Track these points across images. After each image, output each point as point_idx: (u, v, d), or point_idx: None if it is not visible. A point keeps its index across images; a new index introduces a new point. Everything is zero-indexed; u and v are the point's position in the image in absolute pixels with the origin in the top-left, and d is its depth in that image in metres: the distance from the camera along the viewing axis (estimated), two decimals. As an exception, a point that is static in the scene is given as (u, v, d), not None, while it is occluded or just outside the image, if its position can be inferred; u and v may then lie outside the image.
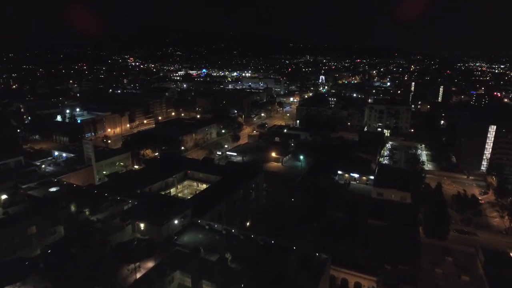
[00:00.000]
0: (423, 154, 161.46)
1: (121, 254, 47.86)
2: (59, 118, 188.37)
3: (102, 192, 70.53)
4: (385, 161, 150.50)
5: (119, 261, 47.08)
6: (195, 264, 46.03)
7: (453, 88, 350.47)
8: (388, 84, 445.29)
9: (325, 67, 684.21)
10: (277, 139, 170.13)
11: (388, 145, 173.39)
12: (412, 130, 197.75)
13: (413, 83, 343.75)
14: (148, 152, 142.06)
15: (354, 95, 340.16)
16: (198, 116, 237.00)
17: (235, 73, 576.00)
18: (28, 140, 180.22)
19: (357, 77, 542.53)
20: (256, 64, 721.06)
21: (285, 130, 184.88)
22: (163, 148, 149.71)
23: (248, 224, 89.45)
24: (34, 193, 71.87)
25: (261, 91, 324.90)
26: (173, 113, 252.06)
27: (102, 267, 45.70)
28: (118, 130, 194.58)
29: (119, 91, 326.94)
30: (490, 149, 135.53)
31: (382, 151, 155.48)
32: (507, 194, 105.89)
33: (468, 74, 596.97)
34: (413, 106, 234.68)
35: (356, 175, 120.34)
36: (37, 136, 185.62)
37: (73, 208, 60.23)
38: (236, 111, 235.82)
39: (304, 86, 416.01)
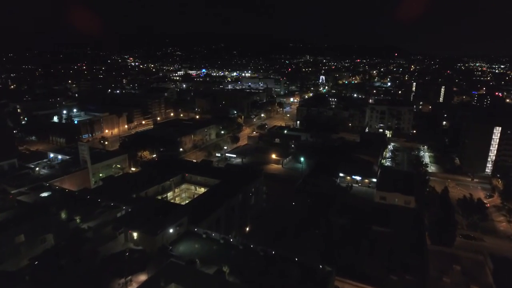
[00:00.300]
0: (426, 156, 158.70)
1: (112, 266, 45.09)
2: (55, 119, 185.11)
3: (95, 198, 67.66)
4: (387, 163, 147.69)
5: (109, 274, 44.30)
6: (191, 278, 43.23)
7: (454, 88, 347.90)
8: (389, 84, 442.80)
9: (325, 67, 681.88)
10: (277, 140, 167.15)
11: (390, 147, 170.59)
12: (414, 131, 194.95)
13: (414, 83, 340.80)
14: (146, 154, 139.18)
15: (355, 95, 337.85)
16: (197, 116, 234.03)
17: (234, 73, 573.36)
18: (24, 141, 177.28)
19: (357, 77, 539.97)
20: (256, 64, 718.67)
21: (285, 131, 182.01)
22: (161, 149, 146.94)
23: (247, 229, 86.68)
24: (24, 199, 69.05)
25: (261, 91, 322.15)
26: (172, 114, 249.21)
27: (92, 281, 42.92)
28: (116, 131, 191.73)
29: (118, 91, 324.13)
30: (495, 151, 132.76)
31: (384, 153, 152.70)
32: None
33: (469, 74, 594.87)
34: (414, 106, 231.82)
35: (358, 178, 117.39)
36: (33, 137, 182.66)
37: (63, 215, 57.47)
38: (235, 112, 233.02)
39: (304, 86, 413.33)
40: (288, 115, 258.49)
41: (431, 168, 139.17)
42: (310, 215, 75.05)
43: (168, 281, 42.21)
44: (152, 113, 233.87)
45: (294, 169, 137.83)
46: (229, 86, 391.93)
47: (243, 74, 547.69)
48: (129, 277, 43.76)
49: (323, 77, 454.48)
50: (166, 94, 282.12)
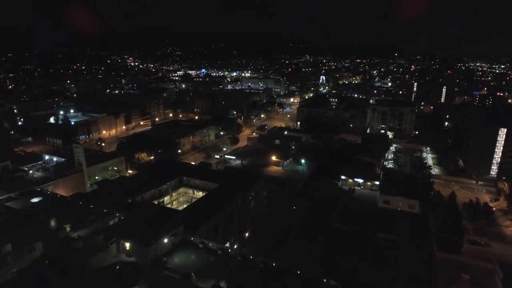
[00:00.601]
0: (429, 157, 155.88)
1: (101, 281, 42.30)
2: (52, 120, 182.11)
3: (88, 204, 64.77)
4: (390, 165, 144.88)
5: (99, 289, 41.56)
6: (186, 293, 40.55)
7: (456, 89, 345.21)
8: (389, 84, 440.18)
9: (325, 67, 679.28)
10: (277, 141, 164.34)
11: (392, 148, 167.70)
12: (417, 132, 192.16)
13: (415, 83, 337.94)
14: (143, 156, 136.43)
15: (355, 95, 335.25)
16: (196, 117, 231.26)
17: (234, 73, 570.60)
18: (20, 142, 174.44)
19: (357, 77, 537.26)
20: (255, 64, 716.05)
21: (286, 132, 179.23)
22: (159, 151, 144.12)
23: (247, 234, 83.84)
24: (14, 204, 66.16)
25: (260, 91, 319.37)
26: (170, 114, 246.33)
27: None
28: (113, 132, 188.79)
29: (116, 92, 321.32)
30: (500, 153, 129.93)
31: (386, 154, 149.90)
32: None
33: (470, 74, 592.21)
34: (416, 107, 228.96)
35: (360, 180, 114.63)
36: (29, 139, 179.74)
37: (53, 223, 54.68)
38: (235, 112, 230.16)
39: (304, 87, 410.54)
40: (288, 116, 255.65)
41: (434, 170, 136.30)
42: (311, 221, 72.22)
43: (161, 296, 39.49)
44: (151, 113, 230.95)
45: (295, 171, 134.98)
46: (229, 86, 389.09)
47: (243, 74, 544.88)
48: (120, 292, 41.10)
49: (324, 77, 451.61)
50: (165, 94, 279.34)
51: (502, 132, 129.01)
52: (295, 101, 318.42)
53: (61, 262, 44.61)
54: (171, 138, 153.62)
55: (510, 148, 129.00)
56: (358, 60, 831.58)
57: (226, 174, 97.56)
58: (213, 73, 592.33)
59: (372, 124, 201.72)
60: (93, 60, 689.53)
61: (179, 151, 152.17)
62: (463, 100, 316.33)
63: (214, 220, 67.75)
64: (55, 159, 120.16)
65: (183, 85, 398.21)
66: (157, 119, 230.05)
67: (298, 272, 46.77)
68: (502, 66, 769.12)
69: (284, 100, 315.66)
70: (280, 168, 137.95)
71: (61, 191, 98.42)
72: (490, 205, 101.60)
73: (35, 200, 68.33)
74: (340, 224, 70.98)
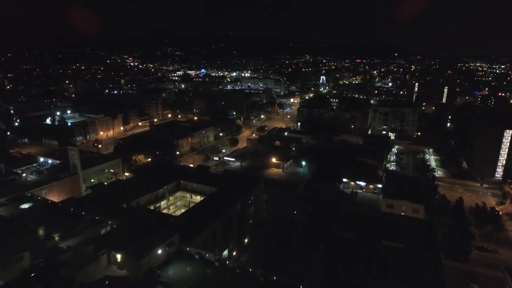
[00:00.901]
0: (432, 159, 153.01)
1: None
2: (48, 120, 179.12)
3: (79, 210, 61.91)
4: (392, 167, 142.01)
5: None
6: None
7: (457, 89, 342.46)
8: (390, 84, 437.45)
9: (325, 67, 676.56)
10: (277, 143, 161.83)
11: (394, 150, 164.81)
12: (419, 133, 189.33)
13: (416, 83, 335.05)
14: (141, 158, 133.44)
15: (356, 96, 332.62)
16: (196, 118, 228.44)
17: (234, 73, 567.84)
18: (16, 144, 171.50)
19: (358, 77, 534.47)
20: (255, 64, 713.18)
21: (286, 133, 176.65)
22: (157, 153, 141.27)
23: (246, 240, 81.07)
24: (2, 211, 63.28)
25: (260, 91, 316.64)
26: (169, 115, 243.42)
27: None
28: (111, 133, 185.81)
29: (115, 92, 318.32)
30: (506, 155, 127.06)
31: (388, 156, 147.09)
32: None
33: (470, 74, 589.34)
34: (417, 107, 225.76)
35: (362, 183, 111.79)
36: (26, 140, 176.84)
37: (41, 232, 51.86)
38: (234, 113, 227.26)
39: (304, 87, 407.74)
40: (288, 116, 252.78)
41: (438, 173, 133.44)
42: (313, 227, 69.39)
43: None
44: (149, 114, 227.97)
45: (295, 173, 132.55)
46: (228, 87, 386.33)
47: (242, 74, 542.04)
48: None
49: (324, 77, 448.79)
50: (164, 94, 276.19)
51: (508, 134, 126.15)
52: (295, 101, 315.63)
53: (48, 275, 41.81)
54: (169, 140, 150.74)
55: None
56: (358, 60, 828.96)
57: (225, 177, 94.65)
58: (212, 73, 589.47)
59: (374, 125, 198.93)
60: (93, 60, 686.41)
61: (177, 152, 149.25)
62: (464, 101, 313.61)
63: (212, 227, 64.94)
64: (50, 161, 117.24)
65: (183, 85, 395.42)
66: (155, 119, 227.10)
67: (300, 286, 43.90)
68: (502, 66, 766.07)
69: (284, 100, 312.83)
70: (280, 170, 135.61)
71: (55, 195, 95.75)
72: (497, 209, 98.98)
73: (25, 206, 65.45)
74: (342, 231, 68.13)
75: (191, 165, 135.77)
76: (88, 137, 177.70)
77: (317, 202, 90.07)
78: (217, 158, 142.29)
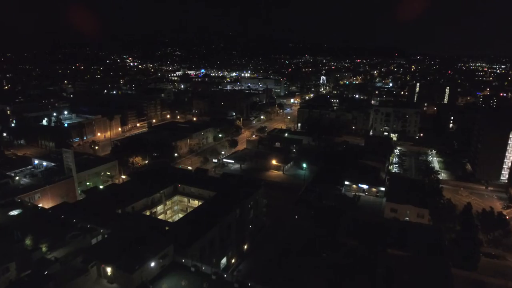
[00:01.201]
0: (435, 161, 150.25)
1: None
2: (45, 121, 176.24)
3: (71, 217, 59.06)
4: (395, 169, 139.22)
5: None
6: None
7: (458, 89, 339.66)
8: (390, 84, 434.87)
9: (325, 67, 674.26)
10: (277, 144, 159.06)
11: (396, 151, 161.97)
12: (421, 134, 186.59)
13: (418, 84, 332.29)
14: (138, 160, 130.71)
15: (357, 96, 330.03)
16: (195, 118, 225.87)
17: (234, 73, 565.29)
18: (12, 145, 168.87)
19: (358, 77, 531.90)
20: (255, 64, 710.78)
21: (286, 135, 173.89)
22: (155, 155, 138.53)
23: (245, 247, 78.25)
24: (-10, 218, 60.57)
25: (260, 92, 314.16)
26: (168, 116, 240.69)
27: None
28: (108, 134, 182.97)
29: (114, 92, 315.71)
30: (511, 157, 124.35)
31: (390, 158, 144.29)
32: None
33: (471, 74, 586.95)
34: (419, 108, 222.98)
35: (364, 186, 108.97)
36: (22, 141, 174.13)
37: (28, 241, 49.07)
38: (234, 114, 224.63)
39: (304, 87, 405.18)
40: (288, 117, 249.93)
41: (442, 175, 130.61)
42: (315, 234, 66.54)
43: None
44: (148, 115, 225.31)
45: (296, 176, 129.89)
46: (228, 87, 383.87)
47: (242, 75, 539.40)
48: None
49: (324, 78, 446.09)
50: (163, 95, 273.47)
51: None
52: (296, 101, 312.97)
53: (32, 290, 39.04)
54: (167, 141, 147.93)
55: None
56: (358, 60, 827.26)
57: (224, 181, 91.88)
58: (212, 73, 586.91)
59: (375, 126, 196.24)
60: (93, 60, 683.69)
61: (176, 154, 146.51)
62: (466, 101, 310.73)
63: (210, 234, 62.14)
64: (44, 163, 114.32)
65: (182, 86, 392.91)
66: (154, 120, 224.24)
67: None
68: (503, 66, 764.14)
69: (284, 100, 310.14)
70: (281, 172, 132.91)
71: (49, 199, 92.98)
72: (503, 213, 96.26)
73: (14, 212, 62.58)
74: (346, 238, 65.33)
75: (189, 168, 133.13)
76: (85, 138, 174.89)
77: (319, 207, 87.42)
78: (216, 160, 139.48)
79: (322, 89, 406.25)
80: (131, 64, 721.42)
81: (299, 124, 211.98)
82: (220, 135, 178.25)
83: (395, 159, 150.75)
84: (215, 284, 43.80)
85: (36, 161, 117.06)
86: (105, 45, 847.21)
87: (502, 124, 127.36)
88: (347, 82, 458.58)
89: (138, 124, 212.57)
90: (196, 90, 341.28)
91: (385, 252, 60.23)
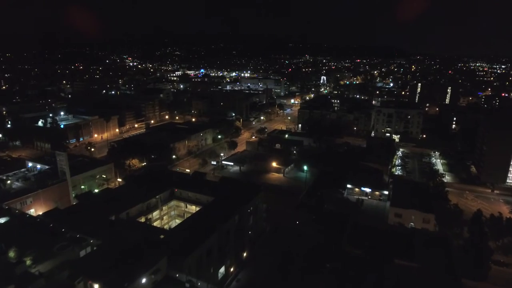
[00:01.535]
0: (438, 163, 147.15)
1: None
2: (40, 122, 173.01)
3: (60, 226, 55.92)
4: (398, 171, 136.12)
5: None
6: None
7: (460, 89, 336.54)
8: (391, 84, 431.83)
9: (325, 67, 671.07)
10: (277, 146, 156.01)
11: (399, 153, 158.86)
12: (424, 136, 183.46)
13: (419, 84, 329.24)
14: (135, 162, 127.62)
15: (357, 96, 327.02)
16: (194, 119, 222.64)
17: (234, 73, 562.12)
18: (7, 147, 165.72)
19: (358, 77, 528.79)
20: (255, 64, 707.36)
21: (287, 136, 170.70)
22: (152, 157, 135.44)
23: (245, 254, 75.16)
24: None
25: (260, 92, 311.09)
26: (166, 116, 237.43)
27: None
28: (106, 135, 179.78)
29: (113, 92, 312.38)
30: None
31: (393, 160, 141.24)
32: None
33: (471, 74, 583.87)
34: (422, 108, 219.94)
35: (367, 190, 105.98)
36: (17, 143, 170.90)
37: (12, 254, 45.97)
38: (233, 114, 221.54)
39: (305, 87, 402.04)
40: (289, 118, 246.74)
41: (446, 178, 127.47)
42: (318, 243, 63.46)
43: None
44: (146, 115, 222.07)
45: (297, 178, 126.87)
46: (228, 87, 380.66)
47: (242, 74, 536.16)
48: None
49: (324, 78, 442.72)
50: (161, 95, 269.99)
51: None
52: (296, 102, 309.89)
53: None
54: (165, 143, 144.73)
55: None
56: (358, 60, 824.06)
57: (222, 185, 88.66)
58: (212, 73, 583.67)
59: (377, 127, 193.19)
60: (92, 60, 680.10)
61: (174, 156, 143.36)
62: (468, 101, 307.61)
63: (207, 243, 59.06)
64: (38, 166, 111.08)
65: (181, 86, 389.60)
66: (152, 121, 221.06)
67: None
68: (503, 66, 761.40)
69: (285, 101, 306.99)
70: (281, 175, 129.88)
71: (42, 204, 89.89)
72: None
73: (0, 221, 59.50)
74: (350, 247, 62.30)
75: (187, 170, 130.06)
76: (81, 139, 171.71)
77: (321, 211, 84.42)
78: (214, 163, 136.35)
79: (323, 89, 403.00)
80: (131, 64, 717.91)
81: (300, 125, 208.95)
82: (219, 136, 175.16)
83: (397, 161, 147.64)
84: (211, 302, 40.80)
85: (30, 164, 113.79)
86: (105, 45, 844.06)
87: (508, 125, 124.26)
88: (348, 82, 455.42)
89: (136, 125, 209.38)
90: (196, 90, 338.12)
91: (392, 263, 57.22)
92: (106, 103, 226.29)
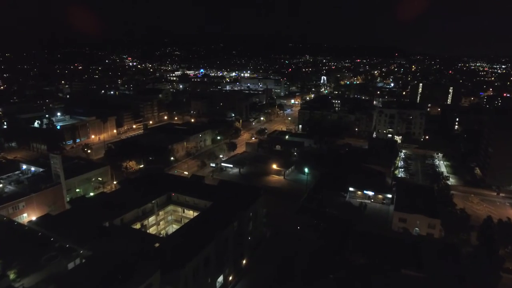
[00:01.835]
0: (442, 165, 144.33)
1: None
2: (36, 123, 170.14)
3: (49, 234, 53.17)
4: (401, 174, 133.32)
5: None
6: None
7: (462, 90, 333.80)
8: (392, 85, 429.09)
9: (325, 67, 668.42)
10: (278, 147, 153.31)
11: (401, 154, 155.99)
12: (427, 137, 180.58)
13: (421, 84, 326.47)
14: (132, 164, 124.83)
15: (358, 96, 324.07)
16: (193, 120, 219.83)
17: (233, 74, 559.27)
18: (3, 148, 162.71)
19: (359, 77, 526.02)
20: (255, 64, 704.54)
21: (287, 137, 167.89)
22: (150, 159, 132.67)
23: (244, 262, 72.38)
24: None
25: (260, 92, 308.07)
26: (165, 117, 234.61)
27: None
28: (103, 136, 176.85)
29: (111, 92, 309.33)
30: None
31: (396, 162, 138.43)
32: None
33: (472, 74, 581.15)
34: (424, 109, 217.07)
35: (370, 193, 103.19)
36: (13, 144, 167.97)
37: (-4, 267, 43.31)
38: (233, 115, 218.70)
39: (305, 87, 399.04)
40: (289, 118, 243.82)
41: (450, 180, 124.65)
42: (320, 251, 60.68)
43: None
44: (144, 116, 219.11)
45: (297, 181, 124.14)
46: (227, 87, 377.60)
47: (242, 74, 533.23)
48: None
49: (325, 78, 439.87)
50: (160, 95, 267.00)
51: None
52: (296, 102, 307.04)
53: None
54: (163, 144, 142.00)
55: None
56: (358, 60, 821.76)
57: (221, 189, 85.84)
58: (212, 73, 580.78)
59: (379, 128, 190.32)
60: (92, 60, 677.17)
61: (172, 158, 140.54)
62: (470, 102, 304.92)
63: (204, 252, 56.27)
64: (32, 169, 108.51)
65: (181, 86, 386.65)
66: (151, 122, 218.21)
67: None
68: (503, 66, 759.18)
69: (285, 101, 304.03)
70: (282, 177, 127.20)
71: (35, 209, 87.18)
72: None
73: (-13, 229, 56.85)
74: (354, 256, 59.49)
75: (186, 173, 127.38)
76: (78, 140, 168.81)
77: (322, 216, 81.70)
78: (213, 165, 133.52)
79: (323, 89, 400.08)
80: (130, 64, 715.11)
81: (300, 126, 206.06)
82: (218, 138, 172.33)
83: (400, 163, 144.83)
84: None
85: (24, 166, 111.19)
86: (104, 45, 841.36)
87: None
88: (348, 82, 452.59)
89: (134, 126, 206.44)
90: (195, 90, 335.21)
91: (398, 272, 54.45)
92: (105, 103, 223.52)
